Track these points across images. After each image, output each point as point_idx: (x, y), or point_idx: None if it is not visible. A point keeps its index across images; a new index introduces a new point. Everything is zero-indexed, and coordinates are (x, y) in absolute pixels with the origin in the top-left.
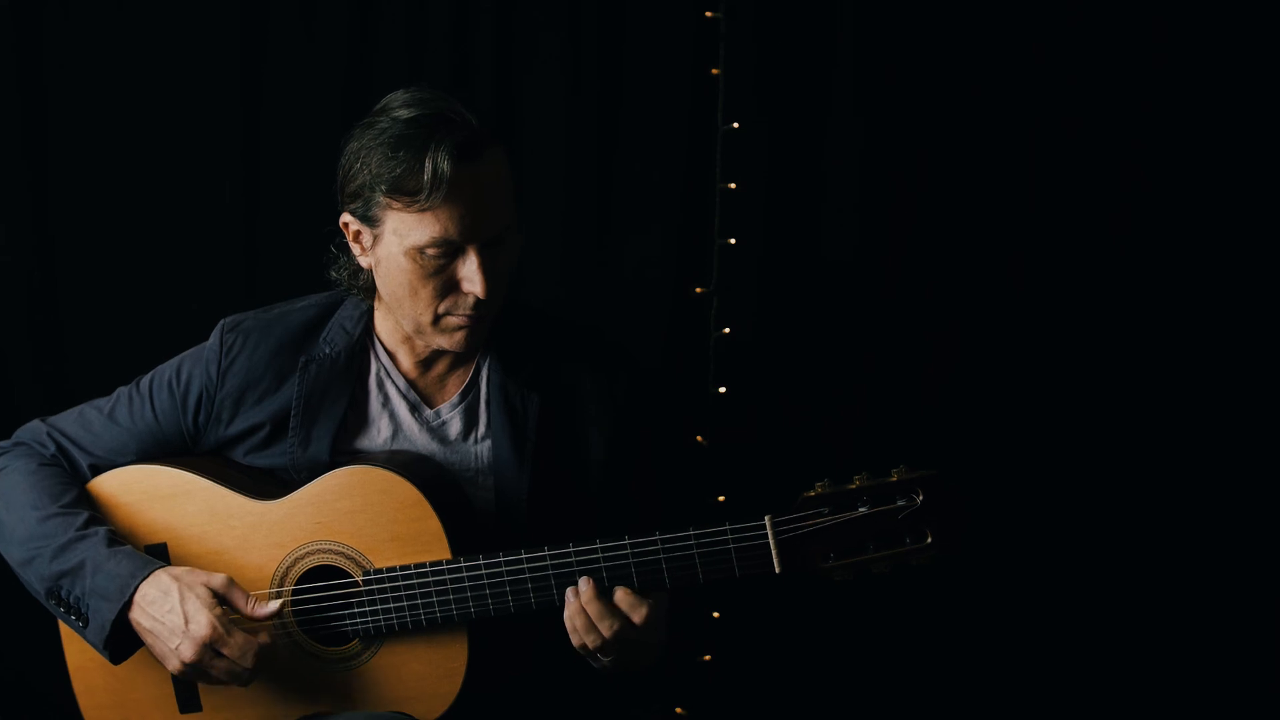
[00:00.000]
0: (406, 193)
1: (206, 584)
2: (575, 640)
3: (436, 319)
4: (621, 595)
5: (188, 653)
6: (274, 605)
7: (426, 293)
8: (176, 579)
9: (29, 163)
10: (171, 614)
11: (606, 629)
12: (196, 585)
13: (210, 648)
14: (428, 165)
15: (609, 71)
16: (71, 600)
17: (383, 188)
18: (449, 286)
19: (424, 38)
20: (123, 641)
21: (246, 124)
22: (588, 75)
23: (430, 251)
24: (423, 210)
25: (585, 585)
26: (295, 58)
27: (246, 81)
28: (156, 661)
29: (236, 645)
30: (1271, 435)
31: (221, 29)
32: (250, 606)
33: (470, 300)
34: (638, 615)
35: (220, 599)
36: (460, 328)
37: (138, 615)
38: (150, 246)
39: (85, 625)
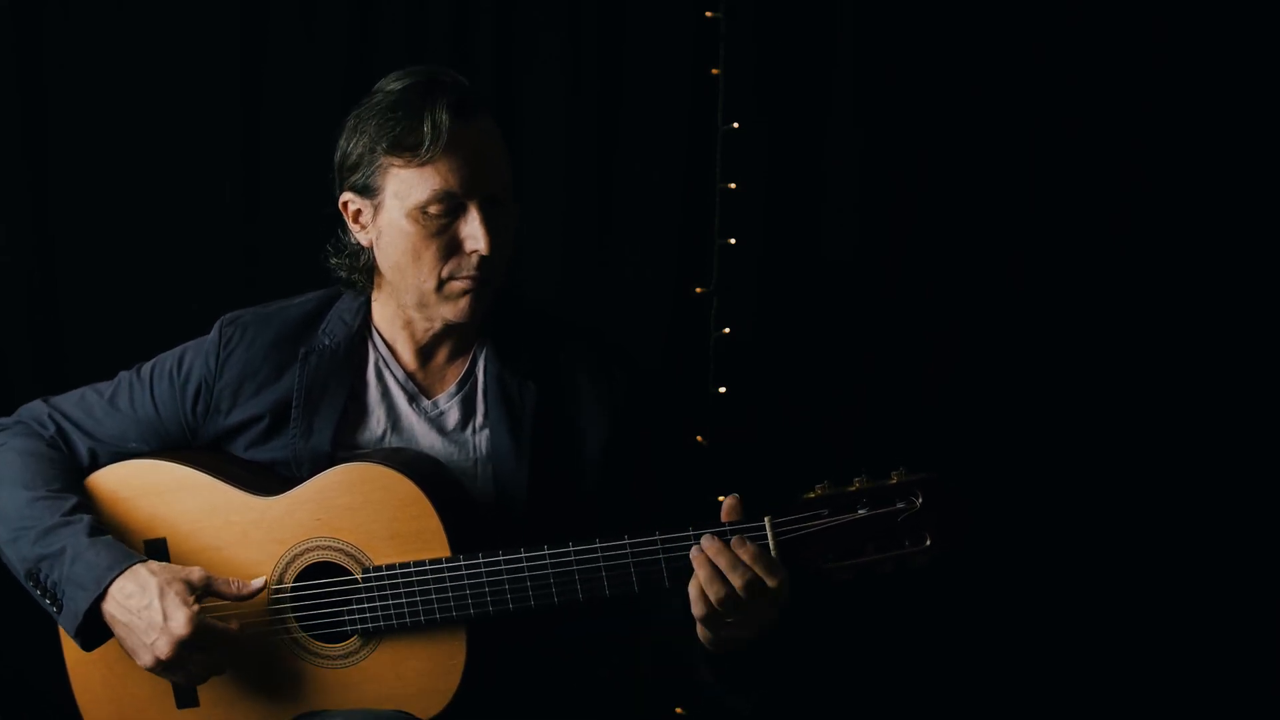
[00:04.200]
0: (407, 148)
1: (185, 579)
2: (699, 608)
3: (440, 284)
4: (750, 552)
5: (164, 649)
6: (258, 582)
7: (430, 255)
8: (154, 574)
9: (29, 163)
10: (149, 610)
11: (738, 580)
12: (175, 582)
13: (188, 645)
14: (427, 119)
15: (609, 71)
16: (49, 585)
17: (383, 146)
18: (452, 247)
19: (424, 38)
20: (95, 632)
21: (246, 124)
22: (588, 75)
23: (432, 209)
24: (423, 164)
25: (709, 540)
26: (295, 58)
27: (246, 81)
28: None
29: (216, 637)
30: (1272, 435)
31: (221, 29)
32: (235, 588)
33: (474, 260)
34: (773, 580)
35: (200, 592)
36: (465, 291)
37: (112, 608)
38: (150, 246)
39: (59, 611)
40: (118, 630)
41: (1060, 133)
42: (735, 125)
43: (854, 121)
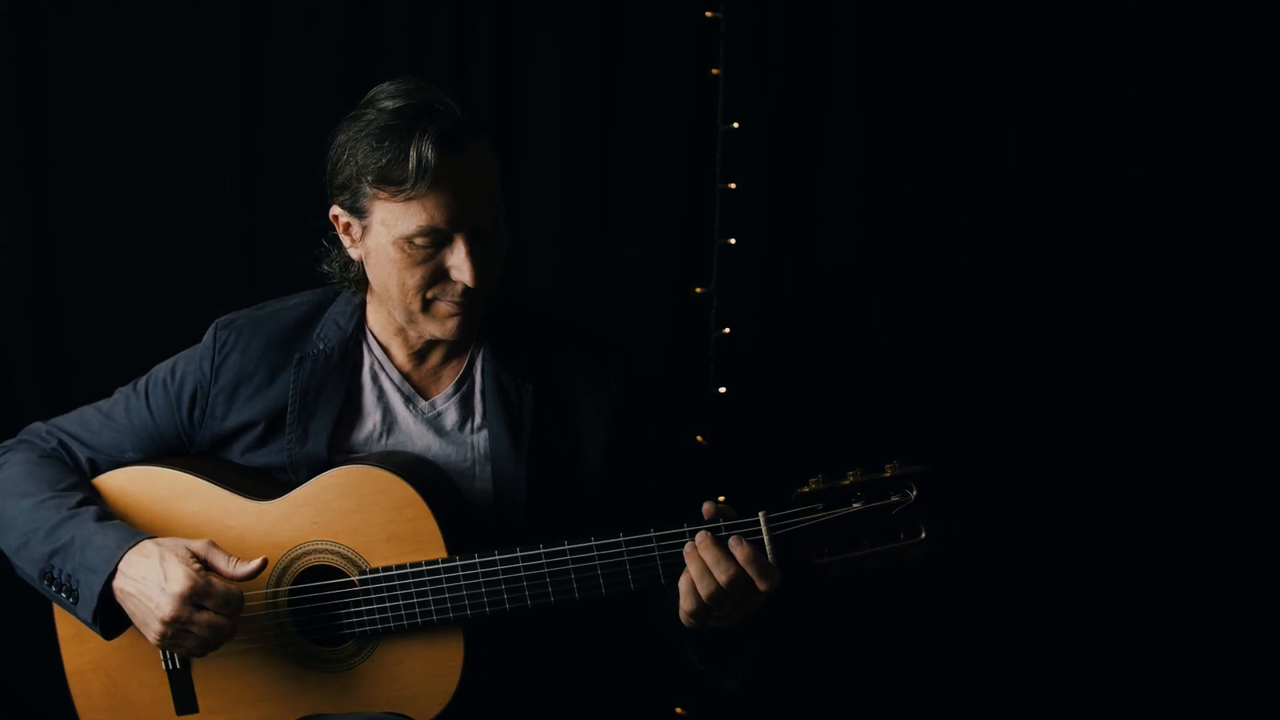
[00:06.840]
0: (392, 182)
1: (187, 545)
2: (688, 602)
3: (426, 305)
4: (746, 553)
5: (167, 609)
6: (254, 564)
7: (415, 281)
8: (159, 544)
9: (29, 163)
10: (152, 574)
11: (728, 577)
12: (177, 547)
13: (189, 602)
14: (412, 154)
15: (609, 72)
16: (63, 578)
17: (369, 178)
18: (438, 275)
19: (424, 37)
20: (113, 615)
21: (246, 125)
22: (587, 75)
23: (418, 241)
24: (409, 199)
25: (703, 536)
26: (295, 57)
27: (246, 83)
28: (151, 661)
29: (218, 596)
30: (1268, 433)
31: (221, 25)
32: (231, 566)
33: (459, 289)
34: (766, 583)
35: (201, 561)
36: (451, 315)
37: (122, 583)
38: (151, 248)
39: (76, 602)
40: (129, 605)
41: (1060, 133)
42: (735, 125)
43: (854, 122)
